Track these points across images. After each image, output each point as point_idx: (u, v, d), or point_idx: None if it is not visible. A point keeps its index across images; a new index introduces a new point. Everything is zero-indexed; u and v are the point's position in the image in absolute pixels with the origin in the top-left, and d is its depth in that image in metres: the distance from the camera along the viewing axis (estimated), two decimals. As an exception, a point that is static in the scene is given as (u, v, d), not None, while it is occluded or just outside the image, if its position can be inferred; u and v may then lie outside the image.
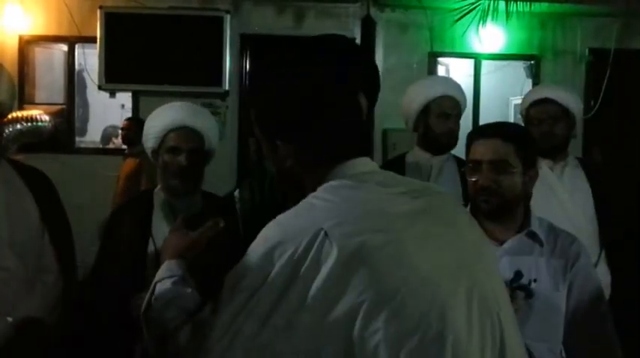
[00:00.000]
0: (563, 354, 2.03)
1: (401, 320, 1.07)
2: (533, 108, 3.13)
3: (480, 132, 2.15)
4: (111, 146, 7.44)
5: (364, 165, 1.28)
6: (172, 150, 2.50)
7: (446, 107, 3.22)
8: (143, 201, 2.59)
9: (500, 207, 2.04)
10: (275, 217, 1.41)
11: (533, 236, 2.06)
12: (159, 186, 2.59)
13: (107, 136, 7.68)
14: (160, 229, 2.40)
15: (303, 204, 1.21)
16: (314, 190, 1.24)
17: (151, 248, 2.39)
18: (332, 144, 1.27)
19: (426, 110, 3.26)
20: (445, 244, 1.19)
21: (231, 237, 1.50)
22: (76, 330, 2.46)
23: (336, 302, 1.07)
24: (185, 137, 2.50)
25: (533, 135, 3.00)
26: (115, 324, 2.27)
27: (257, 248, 1.17)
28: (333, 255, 1.08)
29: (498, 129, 2.11)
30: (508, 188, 2.02)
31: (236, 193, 1.61)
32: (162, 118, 2.54)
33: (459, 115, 3.26)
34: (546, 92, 3.15)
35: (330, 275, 1.07)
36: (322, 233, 1.10)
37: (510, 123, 2.33)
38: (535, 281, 1.98)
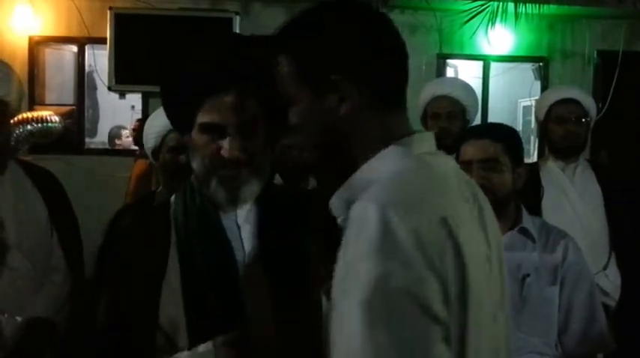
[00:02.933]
0: (559, 348, 2.06)
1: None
2: (558, 107, 3.14)
3: (469, 133, 2.25)
4: (117, 147, 7.47)
5: (428, 139, 1.26)
6: (174, 149, 2.50)
7: (435, 107, 3.25)
8: (146, 201, 2.59)
9: (492, 205, 2.07)
10: (208, 222, 1.49)
11: (525, 232, 2.11)
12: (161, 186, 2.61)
13: (112, 137, 7.70)
14: None
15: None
16: (366, 147, 1.16)
17: None
18: (392, 88, 1.23)
19: (425, 115, 3.32)
20: (484, 234, 1.22)
21: (162, 242, 1.52)
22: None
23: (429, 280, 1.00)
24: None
25: (557, 133, 3.10)
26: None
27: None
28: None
29: (487, 130, 2.24)
30: (499, 186, 2.09)
31: (172, 198, 1.62)
32: (162, 118, 2.53)
33: (453, 113, 3.23)
34: (571, 93, 3.19)
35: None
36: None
37: (498, 124, 2.40)
38: (528, 276, 2.02)
